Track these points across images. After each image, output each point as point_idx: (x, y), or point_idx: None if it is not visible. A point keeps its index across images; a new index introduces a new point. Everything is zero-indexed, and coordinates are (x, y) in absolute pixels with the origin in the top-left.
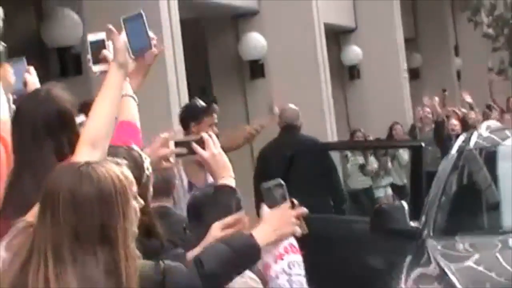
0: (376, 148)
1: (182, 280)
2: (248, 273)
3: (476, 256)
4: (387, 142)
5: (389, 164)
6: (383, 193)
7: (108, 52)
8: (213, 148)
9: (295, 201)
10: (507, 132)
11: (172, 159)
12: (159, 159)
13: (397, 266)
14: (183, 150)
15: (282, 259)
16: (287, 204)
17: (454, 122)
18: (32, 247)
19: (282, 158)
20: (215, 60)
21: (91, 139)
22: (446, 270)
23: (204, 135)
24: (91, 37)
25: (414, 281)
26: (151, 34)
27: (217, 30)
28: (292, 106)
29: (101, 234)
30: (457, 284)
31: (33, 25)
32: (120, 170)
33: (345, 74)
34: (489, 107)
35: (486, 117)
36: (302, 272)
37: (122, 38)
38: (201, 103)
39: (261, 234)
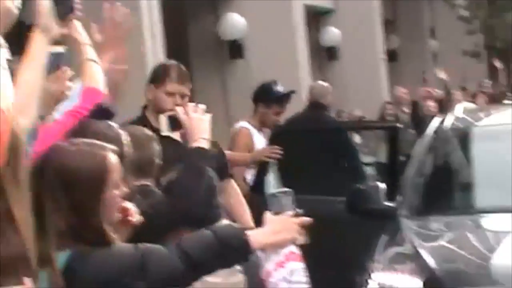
0: (352, 129)
1: (162, 262)
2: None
3: (449, 235)
4: (364, 123)
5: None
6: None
7: None
8: (191, 112)
9: (300, 211)
10: (481, 114)
11: (165, 132)
12: None
13: (372, 246)
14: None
15: (283, 266)
16: (292, 212)
17: (430, 103)
18: None
19: (306, 136)
20: (195, 40)
21: (18, 107)
22: (420, 249)
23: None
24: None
25: (389, 260)
26: None
27: (197, 10)
28: (321, 82)
29: None
30: (430, 263)
31: None
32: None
33: (324, 55)
34: (463, 89)
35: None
36: (304, 279)
37: (45, 1)
38: None
39: (259, 235)
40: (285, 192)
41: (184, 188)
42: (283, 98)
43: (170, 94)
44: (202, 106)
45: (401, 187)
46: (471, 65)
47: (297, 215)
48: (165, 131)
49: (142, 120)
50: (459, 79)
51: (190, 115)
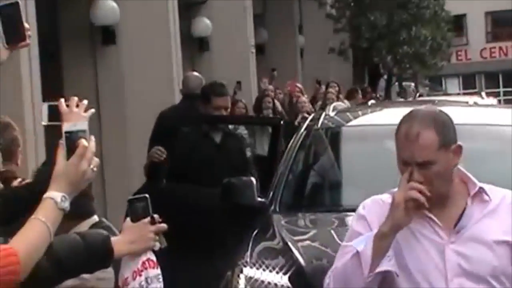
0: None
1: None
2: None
3: (313, 232)
4: (247, 118)
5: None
6: None
7: None
8: (73, 106)
9: (156, 216)
10: (349, 115)
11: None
12: None
13: (243, 240)
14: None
15: (140, 275)
16: (147, 219)
17: (303, 99)
18: None
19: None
20: (67, 25)
21: None
22: (290, 244)
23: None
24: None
25: (258, 255)
26: (26, 25)
27: None
28: (195, 73)
29: None
30: (298, 259)
31: None
32: None
33: (195, 46)
34: (328, 85)
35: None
36: (159, 285)
37: None
38: None
39: (117, 243)
40: (141, 198)
41: (45, 174)
42: None
43: None
44: (85, 102)
45: (273, 183)
46: (337, 63)
47: (153, 221)
48: (45, 121)
49: None
50: (325, 76)
51: (71, 109)
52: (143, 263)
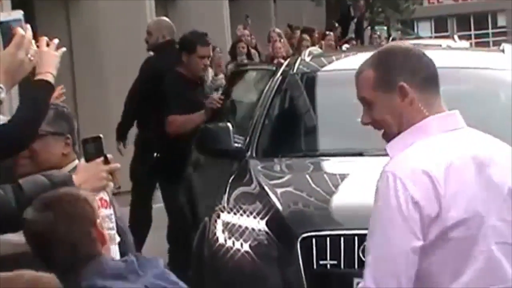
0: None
1: None
2: None
3: (292, 177)
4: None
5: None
6: None
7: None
8: (43, 46)
9: (110, 156)
10: (324, 60)
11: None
12: None
13: (221, 186)
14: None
15: None
16: (100, 159)
17: (278, 45)
18: None
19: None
20: None
21: None
22: (267, 189)
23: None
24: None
25: (235, 200)
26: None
27: None
28: (166, 18)
29: None
30: (275, 203)
31: None
32: None
33: None
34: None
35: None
36: (111, 225)
37: None
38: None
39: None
40: (95, 138)
41: (19, 118)
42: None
43: None
44: (56, 41)
45: (249, 128)
46: (311, 7)
47: (106, 161)
48: None
49: None
50: (299, 21)
51: (41, 49)
52: (96, 202)
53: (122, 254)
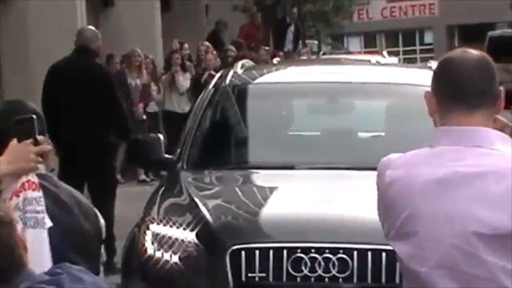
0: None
1: None
2: None
3: (218, 189)
4: None
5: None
6: None
7: None
8: None
9: (41, 138)
10: (255, 72)
11: None
12: None
13: (151, 197)
14: None
15: (18, 196)
16: (29, 140)
17: (210, 57)
18: None
19: (69, 79)
20: None
21: None
22: (197, 201)
23: None
24: None
25: (165, 211)
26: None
27: None
28: (91, 27)
29: None
30: (205, 215)
31: None
32: None
33: (99, 1)
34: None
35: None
36: (39, 208)
37: None
38: None
39: None
40: (28, 119)
41: None
42: None
43: None
44: None
45: (181, 139)
46: (243, 21)
47: (36, 143)
48: None
49: None
50: (232, 34)
51: None
52: (23, 184)
53: (72, 243)
